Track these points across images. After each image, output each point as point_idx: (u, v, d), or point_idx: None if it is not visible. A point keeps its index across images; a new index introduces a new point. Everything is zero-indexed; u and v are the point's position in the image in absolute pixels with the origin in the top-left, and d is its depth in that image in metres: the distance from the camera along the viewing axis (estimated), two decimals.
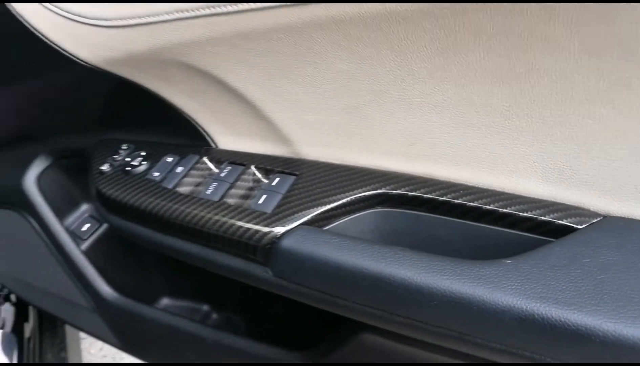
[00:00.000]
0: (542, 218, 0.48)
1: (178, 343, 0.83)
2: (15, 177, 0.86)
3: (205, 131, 0.68)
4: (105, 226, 0.89)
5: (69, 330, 1.24)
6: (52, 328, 1.20)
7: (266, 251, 0.55)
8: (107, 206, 0.70)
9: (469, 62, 0.46)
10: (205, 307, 0.96)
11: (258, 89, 0.58)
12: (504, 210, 0.50)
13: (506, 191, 0.51)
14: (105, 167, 0.72)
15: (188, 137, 0.69)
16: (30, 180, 0.85)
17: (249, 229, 0.56)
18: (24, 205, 0.87)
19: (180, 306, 0.96)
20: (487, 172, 0.52)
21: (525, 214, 0.49)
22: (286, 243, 0.54)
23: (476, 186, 0.53)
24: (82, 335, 1.39)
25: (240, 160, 0.65)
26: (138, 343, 0.92)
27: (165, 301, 0.96)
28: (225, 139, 0.68)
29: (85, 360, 1.67)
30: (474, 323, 0.44)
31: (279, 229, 0.55)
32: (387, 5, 0.44)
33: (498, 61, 0.45)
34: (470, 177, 0.53)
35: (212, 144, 0.69)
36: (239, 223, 0.57)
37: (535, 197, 0.50)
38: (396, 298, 0.47)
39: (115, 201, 0.67)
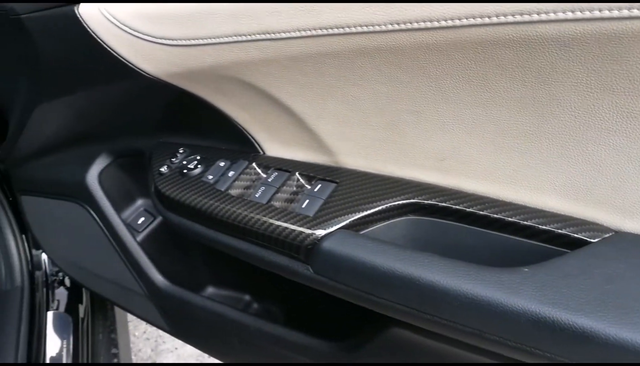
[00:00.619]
0: (559, 230, 0.52)
1: (223, 328, 0.89)
2: (79, 173, 0.93)
3: (254, 139, 0.74)
4: (158, 219, 0.96)
5: (117, 312, 1.32)
6: (103, 310, 1.28)
7: (308, 250, 0.61)
8: (165, 204, 0.77)
9: (495, 89, 0.51)
10: (247, 297, 1.02)
11: (305, 105, 0.64)
12: (525, 222, 0.54)
13: (527, 205, 0.56)
14: (163, 169, 0.79)
15: (238, 144, 0.76)
16: (93, 176, 0.93)
17: (293, 230, 0.62)
18: (86, 198, 0.94)
19: (224, 295, 1.02)
20: (511, 187, 0.56)
21: (543, 226, 0.53)
22: (326, 245, 0.59)
23: (500, 199, 0.57)
24: (128, 317, 1.47)
25: (285, 167, 0.70)
26: (186, 328, 0.99)
27: (210, 290, 1.02)
28: (272, 147, 0.74)
29: (130, 342, 1.77)
30: (493, 323, 0.48)
31: (320, 232, 0.60)
32: (422, 38, 0.50)
33: (522, 90, 0.49)
34: (495, 191, 0.57)
35: (260, 151, 0.75)
36: (284, 225, 0.63)
37: (554, 211, 0.55)
38: (424, 298, 0.52)
39: (173, 200, 0.74)
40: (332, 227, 0.60)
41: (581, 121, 0.48)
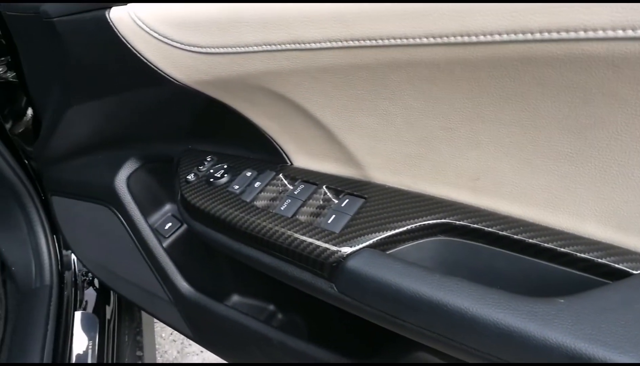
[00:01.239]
0: (599, 259, 0.49)
1: (246, 339, 0.87)
2: (108, 177, 0.94)
3: (282, 149, 0.73)
4: (185, 226, 0.96)
5: (144, 315, 1.33)
6: (129, 312, 1.29)
7: (332, 268, 0.59)
8: (190, 212, 0.76)
9: (535, 109, 0.48)
10: (271, 307, 1.01)
11: (334, 117, 0.62)
12: (562, 249, 0.51)
13: (565, 231, 0.53)
14: (190, 176, 0.78)
15: (267, 154, 0.74)
16: (121, 180, 0.93)
17: (318, 246, 0.60)
18: (114, 202, 0.95)
19: (248, 304, 1.01)
20: (548, 212, 0.53)
21: (582, 254, 0.50)
22: (351, 264, 0.57)
23: (536, 223, 0.54)
24: (155, 319, 1.48)
25: (312, 179, 0.69)
26: (209, 336, 0.98)
27: (234, 298, 1.01)
28: (300, 158, 0.72)
29: (157, 344, 1.78)
30: (524, 356, 0.46)
31: (346, 250, 0.58)
32: (459, 53, 0.47)
33: (563, 111, 0.47)
34: (531, 215, 0.54)
35: (288, 162, 0.74)
36: (309, 240, 0.61)
37: (594, 239, 0.51)
38: (451, 325, 0.50)
39: (199, 209, 0.73)
40: (358, 245, 0.58)
41: (627, 145, 0.45)
